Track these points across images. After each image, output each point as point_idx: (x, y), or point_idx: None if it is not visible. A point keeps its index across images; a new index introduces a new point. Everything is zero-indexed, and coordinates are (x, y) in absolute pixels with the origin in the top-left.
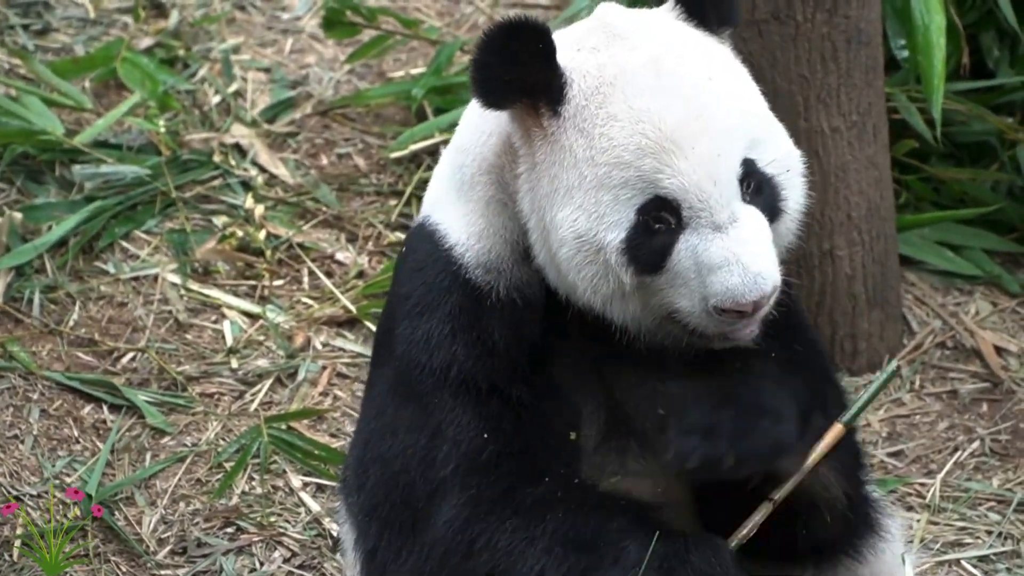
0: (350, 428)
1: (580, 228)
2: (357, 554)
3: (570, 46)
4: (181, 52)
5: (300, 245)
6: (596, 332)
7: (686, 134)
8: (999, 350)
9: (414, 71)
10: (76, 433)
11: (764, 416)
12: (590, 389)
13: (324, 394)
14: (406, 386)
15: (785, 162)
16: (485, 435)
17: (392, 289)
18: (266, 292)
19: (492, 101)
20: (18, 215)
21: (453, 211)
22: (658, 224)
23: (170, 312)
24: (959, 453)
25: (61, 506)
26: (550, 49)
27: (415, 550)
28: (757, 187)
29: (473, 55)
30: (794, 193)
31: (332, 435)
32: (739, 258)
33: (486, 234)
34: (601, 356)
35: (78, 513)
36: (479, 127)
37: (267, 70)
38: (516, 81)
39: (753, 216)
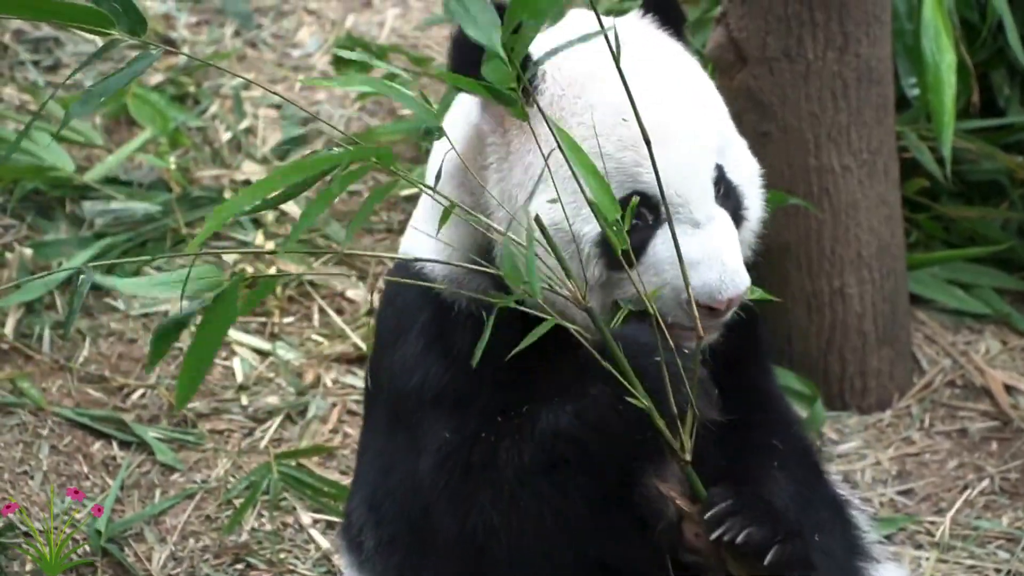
0: None
1: (556, 217)
2: None
3: (545, 44)
4: (192, 88)
5: (310, 282)
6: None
7: (667, 132)
8: (1009, 389)
9: None
10: (86, 469)
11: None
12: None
13: (334, 431)
14: (396, 416)
15: (747, 172)
16: (446, 434)
17: (375, 327)
18: (276, 329)
19: (470, 70)
20: (28, 251)
21: (424, 229)
22: (636, 219)
23: (180, 349)
24: (969, 491)
25: (71, 543)
26: None
27: (431, 565)
28: (725, 192)
29: (455, 29)
30: (754, 203)
31: (342, 472)
32: (719, 255)
33: (450, 246)
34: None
35: (87, 549)
36: (449, 128)
37: (278, 107)
38: None
39: (726, 218)
